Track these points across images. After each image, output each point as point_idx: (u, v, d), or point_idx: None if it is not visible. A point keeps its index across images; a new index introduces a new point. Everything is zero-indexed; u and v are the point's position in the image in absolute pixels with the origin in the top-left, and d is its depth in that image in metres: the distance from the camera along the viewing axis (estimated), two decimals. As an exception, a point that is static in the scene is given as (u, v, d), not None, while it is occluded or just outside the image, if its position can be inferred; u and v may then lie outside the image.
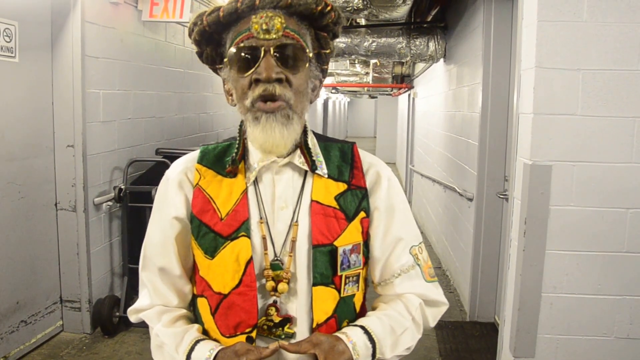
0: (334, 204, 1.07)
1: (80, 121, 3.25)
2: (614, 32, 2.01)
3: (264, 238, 1.05)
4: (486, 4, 3.54)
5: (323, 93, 15.01)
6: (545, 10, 2.02)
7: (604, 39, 2.02)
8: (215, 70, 1.12)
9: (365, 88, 14.24)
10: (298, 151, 1.08)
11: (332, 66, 8.93)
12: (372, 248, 1.12)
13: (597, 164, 2.07)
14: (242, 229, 1.04)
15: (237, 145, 1.09)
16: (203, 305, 1.09)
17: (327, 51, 1.10)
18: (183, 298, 1.14)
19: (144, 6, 3.82)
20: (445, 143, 5.28)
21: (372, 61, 8.21)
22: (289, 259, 1.05)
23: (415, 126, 8.83)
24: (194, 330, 1.07)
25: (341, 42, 4.99)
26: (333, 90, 15.62)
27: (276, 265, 1.05)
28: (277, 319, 1.04)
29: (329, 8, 1.03)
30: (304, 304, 1.05)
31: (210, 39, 1.07)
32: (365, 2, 4.10)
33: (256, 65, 0.98)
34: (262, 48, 0.98)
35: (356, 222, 1.08)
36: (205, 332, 1.09)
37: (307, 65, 1.03)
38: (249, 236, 1.04)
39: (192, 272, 1.14)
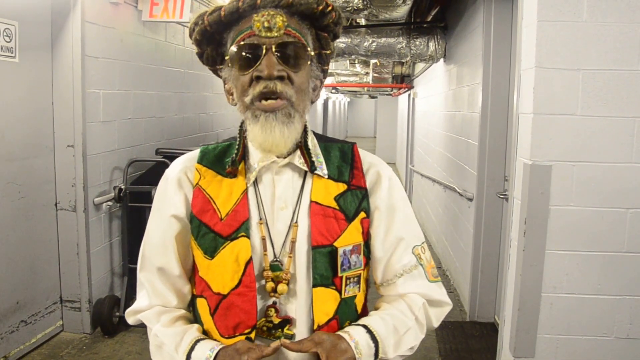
0: (334, 204, 1.07)
1: (80, 121, 3.25)
2: (614, 32, 2.01)
3: (263, 239, 1.04)
4: (486, 4, 3.54)
5: (323, 93, 14.99)
6: (545, 10, 2.02)
7: (604, 39, 2.02)
8: (216, 72, 1.12)
9: (365, 88, 14.24)
10: (298, 151, 1.07)
11: (332, 66, 8.92)
12: (374, 248, 1.12)
13: (597, 164, 2.07)
14: (241, 229, 1.04)
15: (237, 146, 1.09)
16: (202, 305, 1.09)
17: (328, 52, 1.10)
18: (182, 298, 1.13)
19: (144, 6, 3.82)
20: (445, 143, 5.28)
21: (372, 61, 8.21)
22: (288, 259, 1.04)
23: (415, 126, 8.83)
24: (194, 330, 1.06)
25: (341, 42, 4.99)
26: (333, 90, 15.62)
27: (276, 266, 1.04)
28: (276, 320, 1.03)
29: (329, 8, 1.03)
30: (304, 305, 1.05)
31: (211, 39, 1.07)
32: (365, 2, 4.10)
33: (257, 63, 0.98)
34: (264, 46, 0.98)
35: (356, 223, 1.08)
36: (204, 333, 1.09)
37: (309, 63, 1.03)
38: (248, 236, 1.03)
39: (191, 273, 1.14)
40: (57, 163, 3.32)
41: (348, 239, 1.06)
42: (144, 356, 3.18)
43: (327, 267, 1.04)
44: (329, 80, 11.36)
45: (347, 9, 4.13)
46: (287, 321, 1.04)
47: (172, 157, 1.51)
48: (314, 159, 1.08)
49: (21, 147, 3.05)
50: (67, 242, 3.37)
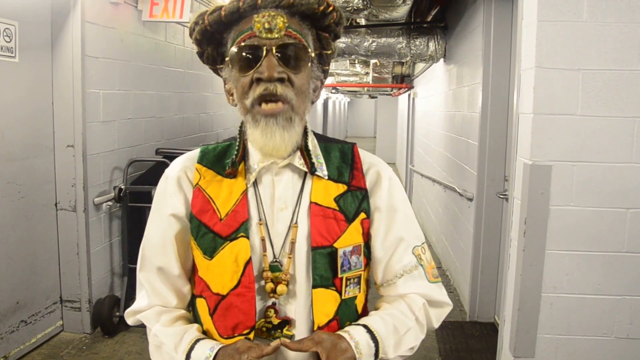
0: (334, 205, 1.06)
1: (80, 121, 3.25)
2: (614, 32, 2.01)
3: (263, 239, 1.04)
4: (486, 4, 3.54)
5: (323, 93, 14.99)
6: (545, 10, 2.02)
7: (604, 39, 2.02)
8: (216, 71, 1.12)
9: (365, 88, 14.24)
10: (298, 152, 1.07)
11: (332, 66, 8.89)
12: (374, 249, 1.12)
13: (597, 164, 2.07)
14: (241, 229, 1.03)
15: (237, 147, 1.08)
16: (202, 305, 1.08)
17: (329, 52, 1.09)
18: (182, 298, 1.13)
19: (144, 6, 3.82)
20: (445, 143, 5.28)
21: (372, 61, 8.22)
22: (288, 260, 1.04)
23: (415, 126, 8.83)
24: (194, 330, 1.06)
25: (341, 42, 4.99)
26: (333, 90, 15.62)
27: (275, 267, 1.04)
28: (275, 321, 1.03)
29: (330, 8, 1.03)
30: (303, 306, 1.04)
31: (212, 39, 1.07)
32: (365, 2, 4.10)
33: (258, 65, 0.98)
34: (264, 47, 0.98)
35: (356, 224, 1.08)
36: (204, 333, 1.08)
37: (309, 65, 1.03)
38: (248, 237, 1.03)
39: (191, 273, 1.13)
40: (57, 163, 3.32)
41: (348, 239, 1.06)
42: (144, 356, 3.18)
43: (327, 268, 1.04)
44: (329, 80, 11.35)
45: (347, 9, 4.13)
46: (287, 322, 1.04)
47: (172, 157, 1.51)
48: (314, 160, 1.07)
49: (21, 147, 3.05)
50: (67, 242, 3.37)
